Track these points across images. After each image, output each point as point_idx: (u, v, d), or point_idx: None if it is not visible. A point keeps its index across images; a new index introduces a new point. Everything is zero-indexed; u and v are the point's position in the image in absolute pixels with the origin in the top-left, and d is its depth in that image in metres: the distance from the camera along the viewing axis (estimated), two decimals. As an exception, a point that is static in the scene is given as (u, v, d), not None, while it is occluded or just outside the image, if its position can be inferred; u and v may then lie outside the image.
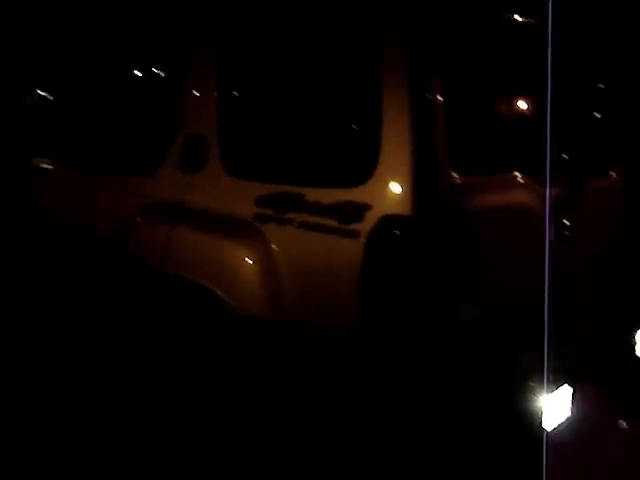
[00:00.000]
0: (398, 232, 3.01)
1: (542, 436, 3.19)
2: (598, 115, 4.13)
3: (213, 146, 3.51)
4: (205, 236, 3.47)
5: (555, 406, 3.28)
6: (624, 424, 3.83)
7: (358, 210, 3.09)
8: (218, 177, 3.49)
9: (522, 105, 3.63)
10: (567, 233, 3.69)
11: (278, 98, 3.48)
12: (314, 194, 3.22)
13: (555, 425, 3.29)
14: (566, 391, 3.34)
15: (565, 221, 3.71)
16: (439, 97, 3.11)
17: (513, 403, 3.22)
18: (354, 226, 3.10)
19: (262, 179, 3.40)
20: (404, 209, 3.02)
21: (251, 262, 3.31)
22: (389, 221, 3.02)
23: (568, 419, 3.37)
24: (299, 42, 3.41)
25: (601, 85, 4.23)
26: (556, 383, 3.29)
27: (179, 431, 3.40)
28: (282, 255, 3.29)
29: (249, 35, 3.54)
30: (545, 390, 3.21)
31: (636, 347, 4.09)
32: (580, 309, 3.76)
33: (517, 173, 3.47)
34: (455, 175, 3.13)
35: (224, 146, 3.51)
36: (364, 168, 3.11)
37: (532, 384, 3.20)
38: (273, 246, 3.30)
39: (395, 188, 3.04)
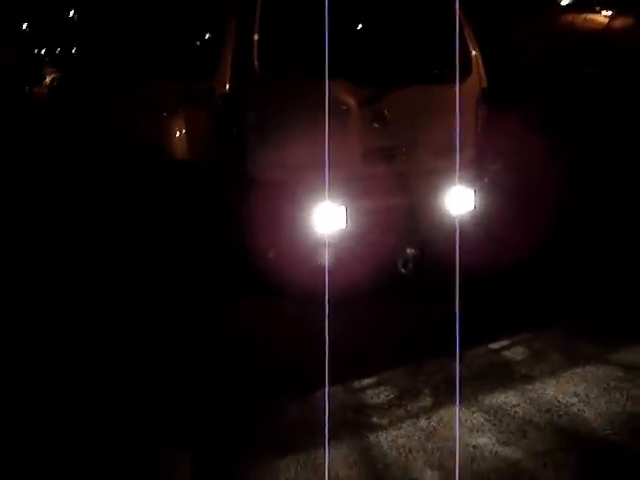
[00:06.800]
0: (225, 102, 5.46)
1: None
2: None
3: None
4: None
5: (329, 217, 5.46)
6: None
7: (210, 91, 5.57)
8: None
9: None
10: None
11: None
12: (193, 84, 5.83)
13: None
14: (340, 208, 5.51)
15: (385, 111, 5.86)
16: (258, 25, 5.43)
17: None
18: (208, 100, 5.59)
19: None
20: (229, 90, 5.45)
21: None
22: (221, 96, 5.47)
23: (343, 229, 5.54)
24: None
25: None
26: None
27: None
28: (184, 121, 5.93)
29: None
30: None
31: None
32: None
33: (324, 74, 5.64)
34: (266, 74, 5.45)
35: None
36: (211, 67, 5.58)
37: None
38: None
39: (225, 78, 5.47)
